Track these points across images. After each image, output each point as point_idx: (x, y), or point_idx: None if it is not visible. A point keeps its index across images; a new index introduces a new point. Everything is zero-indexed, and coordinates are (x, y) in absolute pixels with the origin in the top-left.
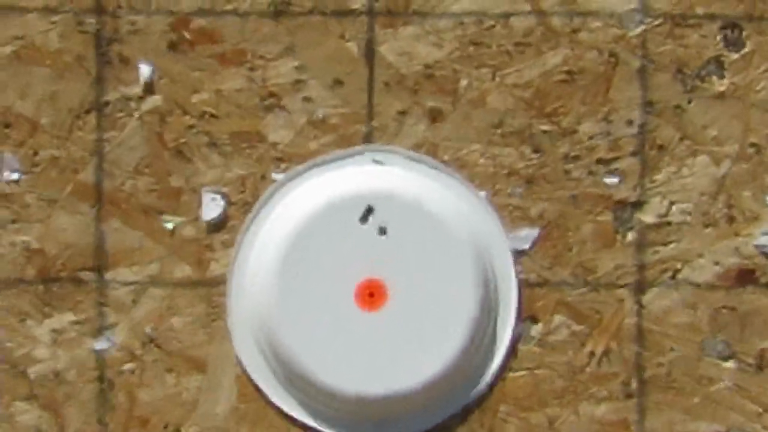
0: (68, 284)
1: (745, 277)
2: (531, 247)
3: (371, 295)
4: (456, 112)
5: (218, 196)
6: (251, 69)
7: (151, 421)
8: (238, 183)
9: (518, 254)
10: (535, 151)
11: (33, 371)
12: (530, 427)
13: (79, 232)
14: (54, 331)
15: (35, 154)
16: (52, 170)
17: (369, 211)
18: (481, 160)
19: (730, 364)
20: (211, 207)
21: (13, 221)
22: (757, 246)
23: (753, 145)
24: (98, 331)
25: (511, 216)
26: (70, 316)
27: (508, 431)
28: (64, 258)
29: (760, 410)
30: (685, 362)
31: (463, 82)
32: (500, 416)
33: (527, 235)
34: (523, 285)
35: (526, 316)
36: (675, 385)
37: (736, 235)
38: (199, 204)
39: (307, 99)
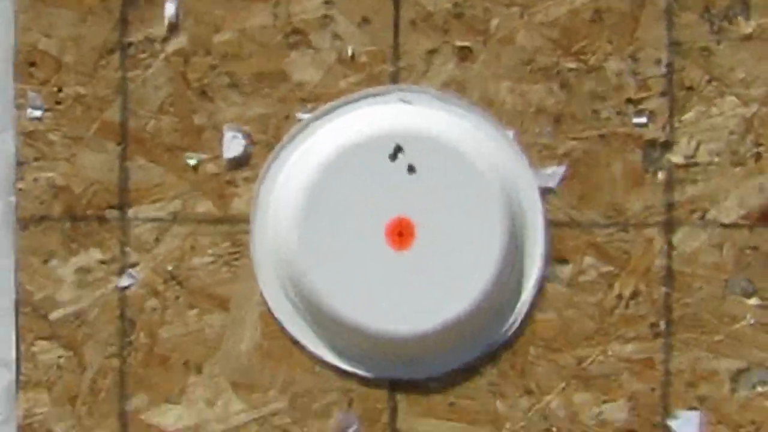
0: (94, 222)
1: None
2: (558, 185)
3: (400, 234)
4: (485, 50)
5: (240, 135)
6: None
7: (171, 359)
8: (260, 123)
9: (545, 192)
10: (563, 87)
11: (56, 311)
12: (558, 368)
13: (104, 170)
14: (80, 269)
15: (59, 91)
16: (77, 108)
17: (398, 149)
18: (509, 98)
19: (752, 302)
20: (233, 145)
21: (36, 159)
22: None
23: None
24: (122, 269)
25: (540, 155)
26: (96, 254)
27: (537, 372)
28: (89, 195)
29: None
30: (710, 301)
31: (494, 21)
32: (530, 357)
33: (554, 172)
34: (551, 225)
35: (555, 256)
36: (700, 324)
37: (761, 173)
38: (221, 142)
39: (335, 35)
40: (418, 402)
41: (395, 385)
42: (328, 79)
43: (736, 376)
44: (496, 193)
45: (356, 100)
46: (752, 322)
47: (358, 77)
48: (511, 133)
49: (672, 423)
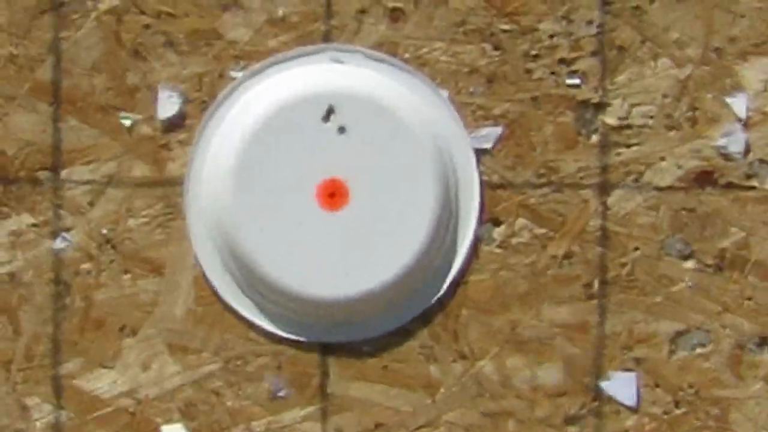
0: (26, 185)
1: (704, 178)
2: (493, 146)
3: (332, 195)
4: (417, 12)
5: (175, 94)
6: None
7: (107, 322)
8: (195, 81)
9: (480, 153)
10: (496, 48)
11: None
12: (492, 331)
13: (37, 131)
14: (13, 233)
15: None
16: (10, 68)
17: (330, 111)
18: (443, 58)
19: (689, 264)
20: (167, 105)
21: None
22: (715, 147)
23: (715, 49)
24: (55, 233)
25: (474, 115)
26: (28, 219)
27: (471, 335)
28: (22, 157)
29: (720, 309)
30: (646, 263)
31: None
32: (462, 320)
33: (489, 133)
34: (486, 186)
35: (488, 218)
36: (636, 285)
37: (697, 137)
38: (155, 102)
39: None
40: (350, 365)
41: (327, 349)
42: (260, 38)
43: (675, 339)
44: (429, 153)
45: (289, 59)
46: (690, 284)
47: (289, 36)
48: (444, 94)
49: (606, 385)
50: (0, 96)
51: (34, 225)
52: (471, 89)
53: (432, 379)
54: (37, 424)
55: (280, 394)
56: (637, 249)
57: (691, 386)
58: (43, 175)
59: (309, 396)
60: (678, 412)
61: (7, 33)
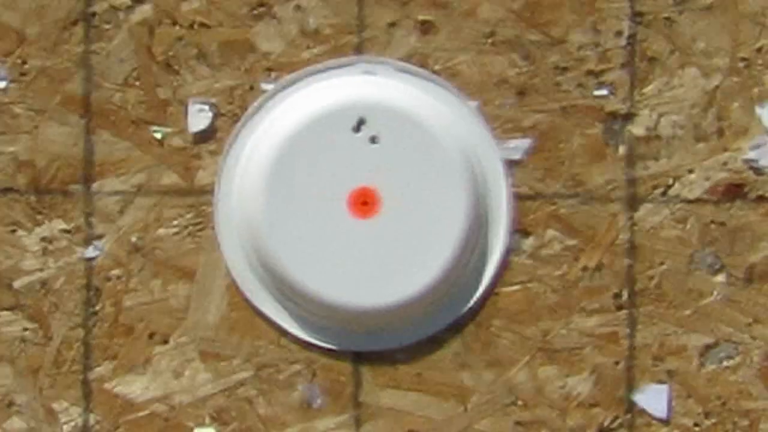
0: (58, 195)
1: (733, 191)
2: (523, 158)
3: (364, 203)
4: (447, 23)
5: (206, 107)
6: None
7: (136, 329)
8: (226, 94)
9: (510, 165)
10: (525, 59)
11: (21, 279)
12: (523, 341)
13: (68, 144)
14: (44, 239)
15: (24, 63)
16: (42, 81)
17: (361, 122)
18: (471, 71)
19: (719, 278)
20: (198, 119)
21: (1, 132)
22: (745, 160)
23: (743, 59)
24: (86, 240)
25: (503, 127)
26: (60, 225)
27: (501, 344)
28: (54, 170)
29: (749, 321)
30: (675, 276)
31: None
32: (493, 330)
33: (519, 144)
34: (516, 198)
35: (518, 229)
36: (666, 298)
37: (725, 149)
38: (187, 115)
39: (298, 8)
40: (382, 373)
41: (359, 357)
42: (293, 50)
43: (704, 351)
44: (459, 164)
45: (320, 71)
46: (719, 297)
47: (322, 48)
48: (474, 105)
49: (638, 397)
50: (31, 109)
51: (66, 231)
52: (500, 101)
53: (464, 388)
54: (65, 427)
55: (315, 403)
56: (662, 263)
57: (719, 398)
58: (74, 188)
59: (342, 404)
60: (708, 423)
61: (37, 45)
